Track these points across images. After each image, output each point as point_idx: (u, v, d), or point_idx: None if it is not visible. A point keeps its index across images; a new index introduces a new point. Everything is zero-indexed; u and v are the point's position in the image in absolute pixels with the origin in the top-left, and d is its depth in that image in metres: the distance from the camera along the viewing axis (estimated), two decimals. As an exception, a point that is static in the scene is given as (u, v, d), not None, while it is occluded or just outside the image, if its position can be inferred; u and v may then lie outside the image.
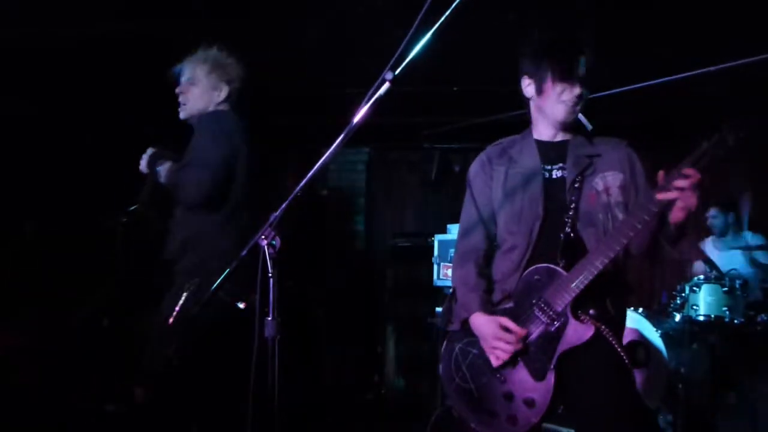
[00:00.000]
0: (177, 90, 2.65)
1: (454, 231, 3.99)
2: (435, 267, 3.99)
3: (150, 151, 2.63)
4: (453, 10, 1.30)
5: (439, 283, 3.99)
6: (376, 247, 5.89)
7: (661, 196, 1.70)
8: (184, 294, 2.32)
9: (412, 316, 5.47)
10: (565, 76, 1.93)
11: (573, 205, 1.93)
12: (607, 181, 1.96)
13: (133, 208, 3.79)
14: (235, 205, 2.48)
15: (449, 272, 3.87)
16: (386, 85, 1.38)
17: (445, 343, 2.09)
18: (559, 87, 1.94)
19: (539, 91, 1.99)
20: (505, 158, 2.10)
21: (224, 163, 2.42)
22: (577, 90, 1.93)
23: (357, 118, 1.44)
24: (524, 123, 2.16)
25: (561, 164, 2.00)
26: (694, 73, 3.43)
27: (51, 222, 4.36)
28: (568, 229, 1.92)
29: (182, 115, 2.65)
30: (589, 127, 2.11)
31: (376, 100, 1.40)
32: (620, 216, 1.91)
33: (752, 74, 3.37)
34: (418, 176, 5.92)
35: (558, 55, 1.95)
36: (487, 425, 1.93)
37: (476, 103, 4.61)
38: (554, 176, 2.00)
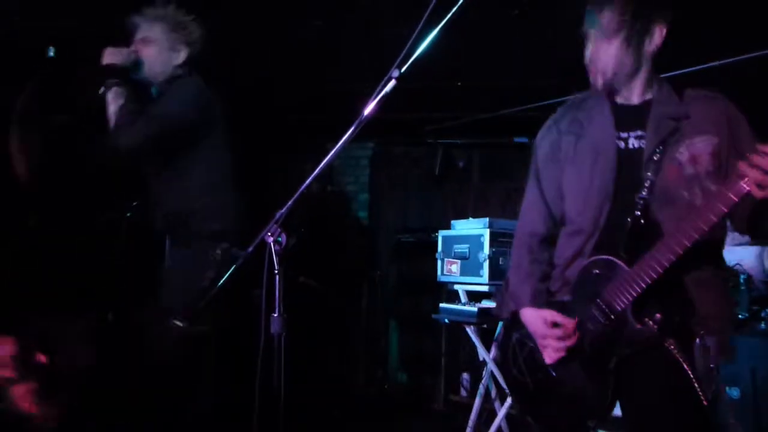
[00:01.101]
0: (131, 47, 2.46)
1: (457, 227, 4.00)
2: (439, 263, 3.99)
3: (122, 52, 2.43)
4: (458, 8, 1.30)
5: (443, 278, 3.99)
6: (380, 242, 5.91)
7: (743, 181, 1.43)
8: (216, 259, 2.27)
9: (416, 312, 5.50)
10: (588, 23, 1.73)
11: (648, 183, 1.64)
12: (696, 149, 1.63)
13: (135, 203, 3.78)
14: (219, 169, 2.46)
15: (453, 268, 3.87)
16: (392, 83, 1.39)
17: (502, 331, 1.98)
18: (589, 36, 1.74)
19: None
20: (576, 125, 1.81)
21: (176, 126, 2.35)
22: (590, 45, 1.72)
23: (365, 114, 1.44)
24: (528, 119, 2.13)
25: (640, 131, 1.70)
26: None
27: (54, 214, 4.36)
28: (638, 213, 1.64)
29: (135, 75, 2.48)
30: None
31: (382, 98, 1.41)
32: (713, 189, 1.58)
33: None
34: (422, 172, 5.93)
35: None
36: (543, 421, 1.85)
37: (480, 98, 4.61)
38: (631, 146, 1.71)
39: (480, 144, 5.56)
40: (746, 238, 4.51)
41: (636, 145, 1.70)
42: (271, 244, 1.53)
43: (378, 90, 1.41)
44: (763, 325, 3.71)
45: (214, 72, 2.74)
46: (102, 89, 2.42)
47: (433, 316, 3.95)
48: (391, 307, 5.73)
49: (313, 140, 5.42)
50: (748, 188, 1.43)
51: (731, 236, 4.60)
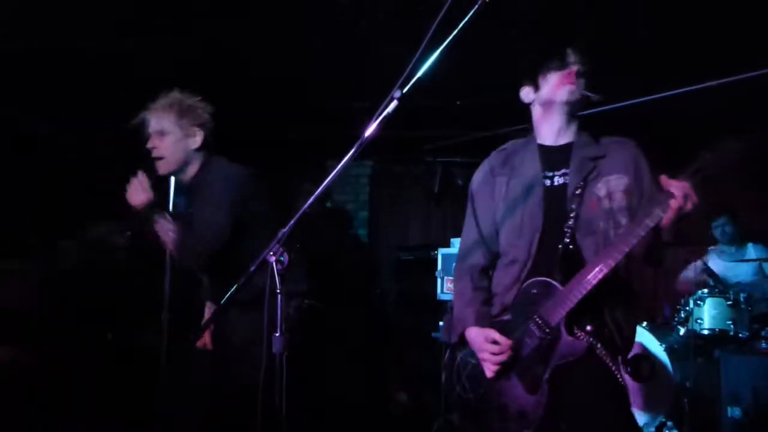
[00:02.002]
0: (148, 144, 2.45)
1: (457, 245, 3.99)
2: (438, 281, 3.99)
3: (142, 185, 2.39)
4: (459, 30, 1.32)
5: (442, 296, 3.99)
6: (380, 260, 5.90)
7: (660, 211, 1.68)
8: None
9: (416, 330, 5.47)
10: (559, 63, 1.90)
11: (573, 214, 1.87)
12: (610, 186, 1.89)
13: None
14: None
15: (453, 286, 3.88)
16: (394, 104, 1.40)
17: (447, 353, 2.10)
18: (555, 75, 1.91)
19: (537, 87, 1.96)
20: (507, 167, 2.05)
21: (226, 226, 2.33)
22: (573, 69, 1.89)
23: (366, 135, 1.46)
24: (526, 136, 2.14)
25: (564, 170, 1.94)
26: (694, 87, 3.45)
27: (57, 236, 4.37)
28: (567, 240, 1.87)
29: (162, 171, 2.47)
30: (595, 97, 1.97)
31: (384, 118, 1.42)
32: (623, 222, 1.85)
33: (753, 88, 3.38)
34: (422, 189, 5.94)
35: (548, 45, 1.94)
36: None
37: (478, 116, 4.64)
38: (556, 183, 1.95)
39: (479, 162, 5.56)
40: (742, 253, 4.51)
41: (560, 182, 1.94)
42: (273, 263, 1.53)
43: (380, 111, 1.43)
44: (763, 344, 3.70)
45: (215, 87, 2.73)
46: (155, 230, 2.39)
47: (433, 334, 3.94)
48: (391, 325, 5.70)
49: (311, 158, 5.45)
50: (652, 224, 1.69)
51: (728, 252, 4.60)
